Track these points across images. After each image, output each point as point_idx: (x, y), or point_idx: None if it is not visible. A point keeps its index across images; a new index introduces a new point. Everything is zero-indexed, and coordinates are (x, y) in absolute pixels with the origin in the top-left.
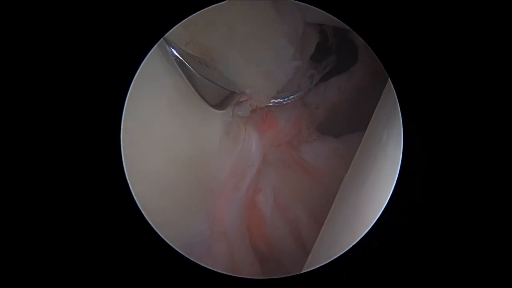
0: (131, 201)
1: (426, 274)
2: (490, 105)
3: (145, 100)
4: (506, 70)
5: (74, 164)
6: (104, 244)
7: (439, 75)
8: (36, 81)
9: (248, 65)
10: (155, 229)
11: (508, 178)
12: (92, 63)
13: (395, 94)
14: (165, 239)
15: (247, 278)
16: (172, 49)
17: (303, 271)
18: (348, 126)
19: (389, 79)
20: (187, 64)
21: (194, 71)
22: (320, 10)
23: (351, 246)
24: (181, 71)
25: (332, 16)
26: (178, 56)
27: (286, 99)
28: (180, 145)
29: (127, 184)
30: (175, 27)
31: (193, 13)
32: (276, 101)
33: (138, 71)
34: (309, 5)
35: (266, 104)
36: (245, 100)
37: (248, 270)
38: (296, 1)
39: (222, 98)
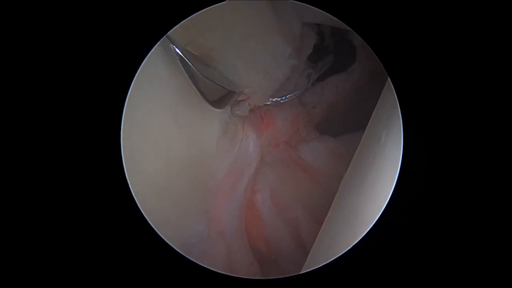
0: (131, 201)
1: (426, 274)
2: (490, 104)
3: (145, 101)
4: (506, 70)
5: (74, 164)
6: (104, 243)
7: (439, 75)
8: (36, 81)
9: (247, 65)
10: (154, 228)
11: (508, 178)
12: (92, 63)
13: (395, 94)
14: (164, 239)
15: (246, 278)
16: (175, 48)
17: (302, 272)
18: (347, 125)
19: (389, 78)
20: (189, 63)
21: (196, 70)
22: (319, 10)
23: (351, 246)
24: (183, 70)
25: (332, 16)
26: (181, 54)
27: (283, 97)
28: (179, 146)
29: (127, 184)
30: (175, 27)
31: (193, 13)
32: (274, 100)
33: (138, 71)
34: (309, 5)
35: (264, 103)
36: (244, 100)
37: (247, 270)
38: (296, 1)
39: (221, 96)
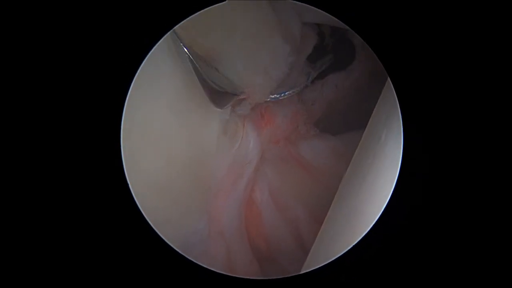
0: (131, 201)
1: (426, 274)
2: (490, 104)
3: (145, 100)
4: (506, 70)
5: (74, 164)
6: (104, 243)
7: (439, 75)
8: (36, 81)
9: (247, 64)
10: (154, 228)
11: (508, 178)
12: (93, 63)
13: (395, 94)
14: (164, 239)
15: (245, 279)
16: (184, 47)
17: (302, 271)
18: (346, 124)
19: (389, 78)
20: (195, 63)
21: (200, 70)
22: (319, 10)
23: (351, 246)
24: (192, 69)
25: (332, 16)
26: (189, 54)
27: (282, 94)
28: (179, 145)
29: (127, 183)
30: (175, 27)
31: (193, 13)
32: (273, 96)
33: (138, 71)
34: (309, 5)
35: (264, 100)
36: (244, 98)
37: (247, 269)
38: (295, 1)
39: (223, 97)
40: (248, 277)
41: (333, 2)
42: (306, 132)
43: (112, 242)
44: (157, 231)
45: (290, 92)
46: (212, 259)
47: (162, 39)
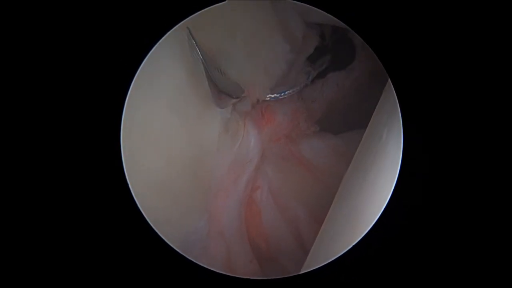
0: (131, 201)
1: (425, 274)
2: (490, 104)
3: (145, 100)
4: (506, 70)
5: (74, 164)
6: (104, 243)
7: (438, 75)
8: (36, 81)
9: (247, 63)
10: (154, 228)
11: (508, 178)
12: (93, 63)
13: (395, 94)
14: (164, 238)
15: (245, 278)
16: (196, 46)
17: (302, 271)
18: (347, 123)
19: (389, 79)
20: (205, 63)
21: (210, 70)
22: (319, 10)
23: (351, 246)
24: (203, 68)
25: (332, 16)
26: (200, 54)
27: (282, 93)
28: (179, 144)
29: (127, 183)
30: (175, 27)
31: (193, 13)
32: (273, 96)
33: (138, 71)
34: (308, 5)
35: (264, 99)
36: (245, 95)
37: (246, 269)
38: (295, 1)
39: (225, 98)
40: (248, 277)
41: (333, 2)
42: (306, 129)
43: (112, 242)
44: (157, 231)
45: (290, 91)
46: (212, 259)
47: (162, 39)
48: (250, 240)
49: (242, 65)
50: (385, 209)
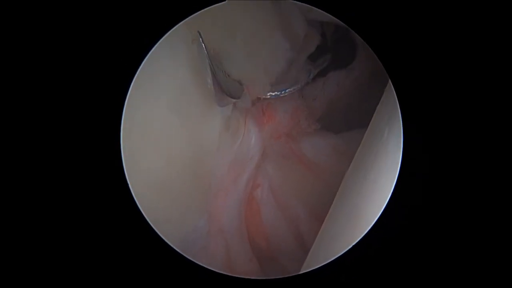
0: (131, 200)
1: (425, 274)
2: (490, 105)
3: (145, 100)
4: (506, 70)
5: (74, 164)
6: (104, 243)
7: (438, 75)
8: (36, 81)
9: (247, 64)
10: (154, 228)
11: (508, 178)
12: (93, 63)
13: (395, 95)
14: (164, 238)
15: (245, 278)
16: (204, 47)
17: (302, 271)
18: (348, 122)
19: (389, 80)
20: (212, 64)
21: (216, 70)
22: (319, 10)
23: (351, 246)
24: (209, 68)
25: (332, 16)
26: (208, 57)
27: (283, 91)
28: (179, 144)
29: (127, 183)
30: (174, 27)
31: (193, 13)
32: (274, 93)
33: (138, 71)
34: (309, 5)
35: (264, 96)
36: (244, 91)
37: (246, 268)
38: (295, 1)
39: (225, 98)
40: (247, 277)
41: (333, 2)
42: (307, 127)
43: (112, 242)
44: (156, 230)
45: (291, 89)
46: (212, 258)
47: (162, 38)
48: (250, 239)
49: (242, 65)
50: (385, 209)
